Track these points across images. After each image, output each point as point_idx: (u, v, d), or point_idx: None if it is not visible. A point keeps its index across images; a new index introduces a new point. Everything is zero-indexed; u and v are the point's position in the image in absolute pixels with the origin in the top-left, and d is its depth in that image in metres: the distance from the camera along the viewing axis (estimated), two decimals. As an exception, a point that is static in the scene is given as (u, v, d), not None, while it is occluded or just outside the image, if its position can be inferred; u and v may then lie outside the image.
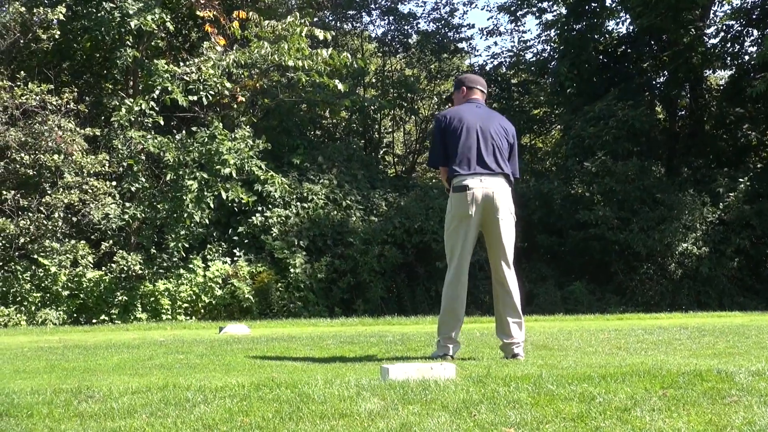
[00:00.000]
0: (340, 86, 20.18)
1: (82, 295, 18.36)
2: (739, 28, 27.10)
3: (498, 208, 7.14)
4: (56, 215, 18.05)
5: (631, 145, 24.07)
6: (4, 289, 17.87)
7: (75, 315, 18.30)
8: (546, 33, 29.90)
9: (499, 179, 7.19)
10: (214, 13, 19.96)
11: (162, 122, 19.52)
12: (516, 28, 34.90)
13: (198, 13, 20.21)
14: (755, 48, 26.14)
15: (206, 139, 19.03)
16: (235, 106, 21.36)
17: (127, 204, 19.20)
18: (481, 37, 59.24)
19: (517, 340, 7.17)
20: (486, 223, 7.22)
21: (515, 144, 7.58)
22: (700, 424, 3.87)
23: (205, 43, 20.06)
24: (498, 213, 7.15)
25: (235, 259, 20.17)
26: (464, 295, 7.30)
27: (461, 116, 7.36)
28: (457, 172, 7.17)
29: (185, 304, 18.87)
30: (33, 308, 17.74)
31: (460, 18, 31.40)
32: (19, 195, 18.19)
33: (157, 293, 18.61)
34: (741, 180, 23.30)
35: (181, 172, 18.84)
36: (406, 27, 30.23)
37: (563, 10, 28.69)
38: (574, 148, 24.65)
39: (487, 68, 31.39)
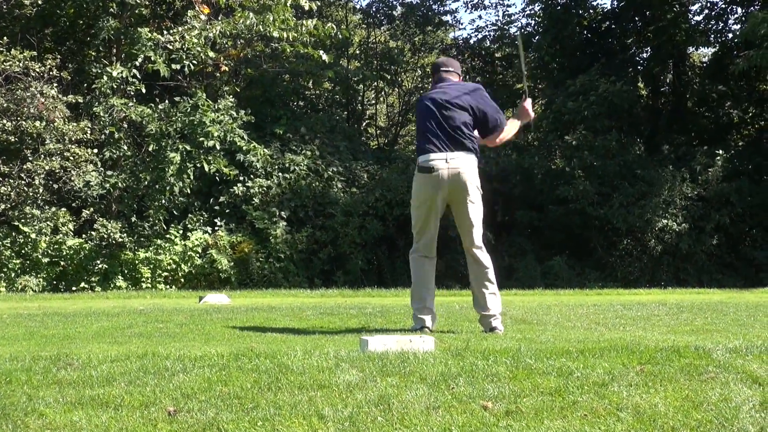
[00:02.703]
0: (324, 57, 20.13)
1: (62, 263, 18.31)
2: (723, 6, 27.15)
3: (465, 187, 7.12)
4: (37, 182, 17.96)
5: (611, 121, 24.07)
6: (-16, 255, 17.82)
7: (55, 282, 18.24)
8: (530, 7, 29.80)
9: (463, 154, 7.14)
10: (199, -19, 19.85)
11: (144, 90, 19.39)
12: (501, 1, 34.86)
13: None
14: (739, 26, 26.18)
15: (189, 110, 18.91)
16: (219, 75, 21.26)
17: (109, 172, 19.10)
18: (465, 10, 59.04)
19: (494, 311, 7.20)
20: (453, 201, 7.23)
21: (488, 111, 7.36)
22: (677, 400, 3.89)
23: (189, 11, 19.92)
24: (464, 192, 7.14)
25: (216, 228, 20.13)
26: (431, 265, 7.36)
27: (430, 96, 7.41)
28: (423, 149, 7.21)
29: (165, 273, 18.84)
30: (13, 275, 17.70)
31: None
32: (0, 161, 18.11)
33: (137, 261, 18.57)
34: (718, 154, 23.37)
35: (163, 143, 18.73)
36: (391, -1, 30.18)
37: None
38: (554, 123, 24.68)
39: (471, 41, 31.41)
